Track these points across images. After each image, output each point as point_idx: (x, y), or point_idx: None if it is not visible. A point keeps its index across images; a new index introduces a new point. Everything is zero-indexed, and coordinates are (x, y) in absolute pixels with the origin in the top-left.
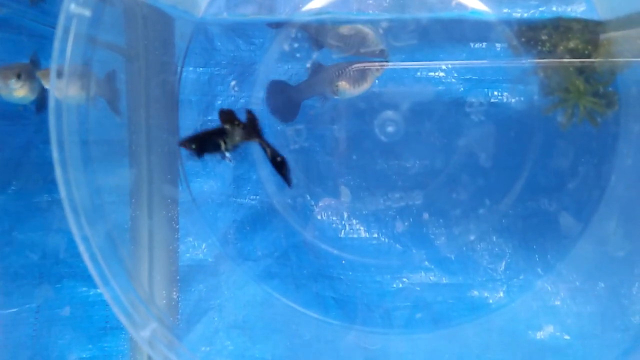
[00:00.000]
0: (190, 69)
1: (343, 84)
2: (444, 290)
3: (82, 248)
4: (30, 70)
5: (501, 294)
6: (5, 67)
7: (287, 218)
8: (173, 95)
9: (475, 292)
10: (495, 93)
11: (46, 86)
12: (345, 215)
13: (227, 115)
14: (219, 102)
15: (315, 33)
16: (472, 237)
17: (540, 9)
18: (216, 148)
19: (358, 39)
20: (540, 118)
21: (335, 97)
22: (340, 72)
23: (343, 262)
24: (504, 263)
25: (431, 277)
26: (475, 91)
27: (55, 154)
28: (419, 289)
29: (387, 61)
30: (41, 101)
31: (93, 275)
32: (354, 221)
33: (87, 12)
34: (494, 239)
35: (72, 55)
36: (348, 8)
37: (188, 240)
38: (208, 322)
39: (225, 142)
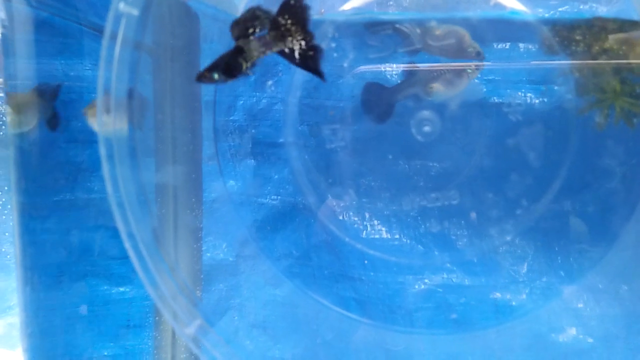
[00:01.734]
0: None
1: (437, 86)
2: (467, 292)
3: (128, 245)
4: (29, 100)
5: (524, 297)
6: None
7: (309, 218)
8: (197, 96)
9: (498, 294)
10: (530, 94)
11: (93, 126)
12: (367, 215)
13: (243, 26)
14: (241, 102)
15: (409, 34)
16: (496, 241)
17: (576, 8)
18: (238, 69)
19: (453, 40)
20: (576, 118)
21: (429, 98)
22: (435, 73)
23: (365, 262)
24: (526, 265)
25: (453, 279)
26: (512, 91)
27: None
28: (441, 290)
29: (482, 62)
30: (52, 121)
31: (139, 272)
32: (376, 221)
33: (135, 12)
34: (517, 241)
35: (117, 82)
36: (388, 7)
37: (209, 239)
38: (228, 322)
39: (245, 60)
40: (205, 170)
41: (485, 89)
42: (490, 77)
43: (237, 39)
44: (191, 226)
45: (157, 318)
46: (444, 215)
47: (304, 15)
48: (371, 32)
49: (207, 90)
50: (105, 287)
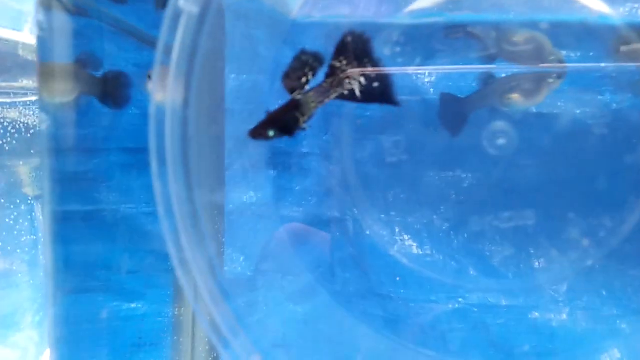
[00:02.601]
0: (233, 76)
1: (516, 97)
2: (503, 312)
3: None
4: (72, 72)
5: (564, 317)
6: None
7: (334, 231)
8: (221, 103)
9: (537, 314)
10: (615, 105)
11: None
12: (397, 230)
13: (294, 76)
14: (263, 109)
15: (483, 38)
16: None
17: None
18: (296, 124)
19: (533, 48)
20: None
21: (506, 109)
22: (513, 83)
23: (398, 279)
24: (566, 284)
25: (489, 298)
26: (595, 101)
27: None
28: (476, 310)
29: (565, 72)
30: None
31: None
32: (406, 236)
33: (195, 9)
34: (553, 255)
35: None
36: (461, 9)
37: (227, 253)
38: (246, 340)
39: (303, 114)
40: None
41: (565, 100)
42: (571, 87)
43: (291, 92)
44: (213, 240)
45: (175, 338)
46: (516, 238)
47: (365, 49)
48: (440, 36)
49: (229, 97)
50: (116, 304)
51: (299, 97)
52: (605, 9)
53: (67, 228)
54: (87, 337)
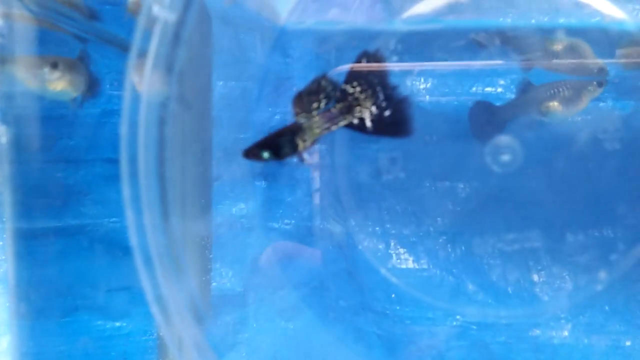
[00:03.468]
0: (221, 83)
1: (554, 105)
2: (503, 329)
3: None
4: (75, 65)
5: (566, 333)
6: (41, 56)
7: (326, 244)
8: (208, 111)
9: (538, 332)
10: (617, 112)
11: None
12: (392, 243)
13: (307, 100)
14: (253, 118)
15: (519, 48)
16: (534, 277)
17: None
18: (293, 149)
19: (573, 55)
20: None
21: (543, 118)
22: (552, 91)
23: (393, 295)
24: (567, 298)
25: (488, 315)
26: (608, 113)
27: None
28: (475, 327)
29: (606, 80)
30: (87, 97)
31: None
32: (401, 250)
33: (172, 17)
34: (554, 271)
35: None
36: (461, 14)
37: (215, 267)
38: (236, 358)
39: (303, 140)
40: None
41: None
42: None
43: (297, 114)
44: (200, 256)
45: (160, 359)
46: (521, 260)
47: (381, 75)
48: (440, 44)
49: (215, 106)
50: (99, 322)
51: (302, 120)
52: (618, 14)
53: (41, 245)
54: (71, 358)
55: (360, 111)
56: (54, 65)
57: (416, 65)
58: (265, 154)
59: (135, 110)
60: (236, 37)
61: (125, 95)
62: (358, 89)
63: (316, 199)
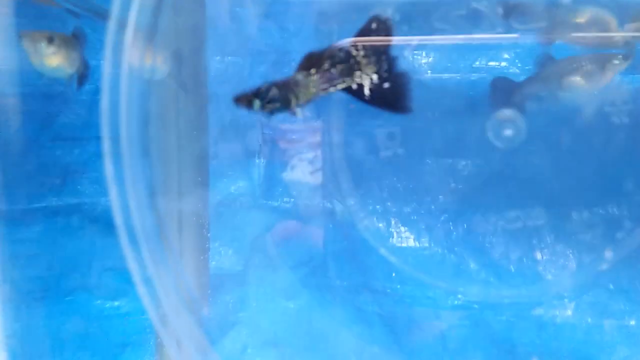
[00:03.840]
0: (217, 58)
1: (577, 79)
2: (506, 308)
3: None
4: (71, 42)
5: (570, 312)
6: (37, 31)
7: (326, 223)
8: (203, 87)
9: (541, 311)
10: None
11: None
12: (393, 221)
13: (318, 59)
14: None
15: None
16: (538, 255)
17: None
18: (286, 105)
19: (597, 28)
20: None
21: (566, 94)
22: (575, 65)
23: (393, 274)
24: (571, 277)
25: (490, 294)
26: (615, 86)
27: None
28: (477, 306)
29: (631, 54)
30: (82, 76)
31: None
32: (402, 228)
33: None
34: (558, 249)
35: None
36: None
37: (214, 246)
38: (236, 338)
39: (297, 97)
40: (209, 170)
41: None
42: None
43: (298, 71)
44: (198, 235)
45: (158, 339)
46: (524, 238)
47: (388, 45)
48: (440, 13)
49: (211, 82)
50: (98, 302)
51: (299, 77)
52: None
53: (36, 225)
54: (69, 339)
55: (361, 76)
56: (50, 40)
57: (417, 39)
58: (257, 103)
59: (117, 84)
60: (232, 10)
61: (105, 70)
62: (362, 52)
63: (316, 177)
